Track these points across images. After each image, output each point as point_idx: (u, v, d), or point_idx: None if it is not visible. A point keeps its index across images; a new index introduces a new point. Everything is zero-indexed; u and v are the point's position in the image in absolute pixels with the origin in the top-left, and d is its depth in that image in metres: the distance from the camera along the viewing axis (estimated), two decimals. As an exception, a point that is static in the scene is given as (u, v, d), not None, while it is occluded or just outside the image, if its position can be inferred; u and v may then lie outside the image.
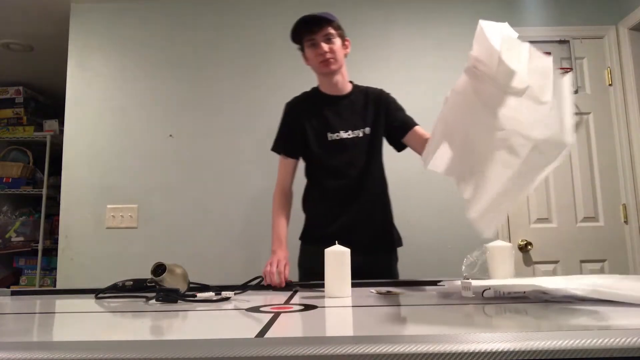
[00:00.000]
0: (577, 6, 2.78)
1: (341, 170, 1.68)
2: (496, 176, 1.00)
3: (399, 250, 1.77)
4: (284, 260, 1.50)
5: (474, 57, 1.02)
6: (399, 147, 1.76)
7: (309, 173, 1.78)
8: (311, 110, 1.72)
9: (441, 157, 1.15)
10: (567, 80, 0.99)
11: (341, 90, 1.72)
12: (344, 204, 1.67)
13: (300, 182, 1.80)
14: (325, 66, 1.64)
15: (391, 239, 1.75)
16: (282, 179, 1.76)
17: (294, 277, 1.72)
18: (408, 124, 1.70)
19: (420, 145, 1.30)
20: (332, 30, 1.62)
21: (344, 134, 1.68)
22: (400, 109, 1.76)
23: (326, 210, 1.70)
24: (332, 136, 1.68)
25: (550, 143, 0.95)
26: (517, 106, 0.96)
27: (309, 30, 1.62)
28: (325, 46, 1.61)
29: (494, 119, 0.98)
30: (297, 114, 1.74)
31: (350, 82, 1.77)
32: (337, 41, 1.64)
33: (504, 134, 0.98)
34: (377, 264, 1.67)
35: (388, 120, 1.72)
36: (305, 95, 1.77)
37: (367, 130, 1.69)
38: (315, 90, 1.76)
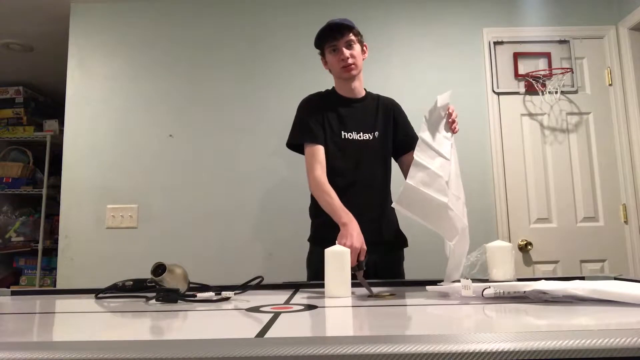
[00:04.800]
0: (577, 6, 2.78)
1: (350, 170, 1.69)
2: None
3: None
4: (361, 236, 1.40)
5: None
6: (396, 157, 1.81)
7: None
8: (328, 107, 1.74)
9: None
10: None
11: (357, 94, 1.77)
12: (352, 204, 1.66)
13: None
14: (347, 71, 1.69)
15: (398, 240, 1.77)
16: (317, 162, 1.63)
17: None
18: (411, 145, 1.54)
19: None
20: (352, 37, 1.67)
21: (355, 135, 1.71)
22: (409, 125, 1.80)
23: None
24: (345, 135, 1.71)
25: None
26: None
27: (332, 37, 1.66)
28: (346, 52, 1.66)
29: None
30: (316, 106, 1.74)
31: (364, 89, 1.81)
32: (357, 47, 1.69)
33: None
34: (385, 264, 1.68)
35: (395, 130, 1.77)
36: (320, 94, 1.79)
37: (377, 134, 1.73)
38: (332, 91, 1.80)
